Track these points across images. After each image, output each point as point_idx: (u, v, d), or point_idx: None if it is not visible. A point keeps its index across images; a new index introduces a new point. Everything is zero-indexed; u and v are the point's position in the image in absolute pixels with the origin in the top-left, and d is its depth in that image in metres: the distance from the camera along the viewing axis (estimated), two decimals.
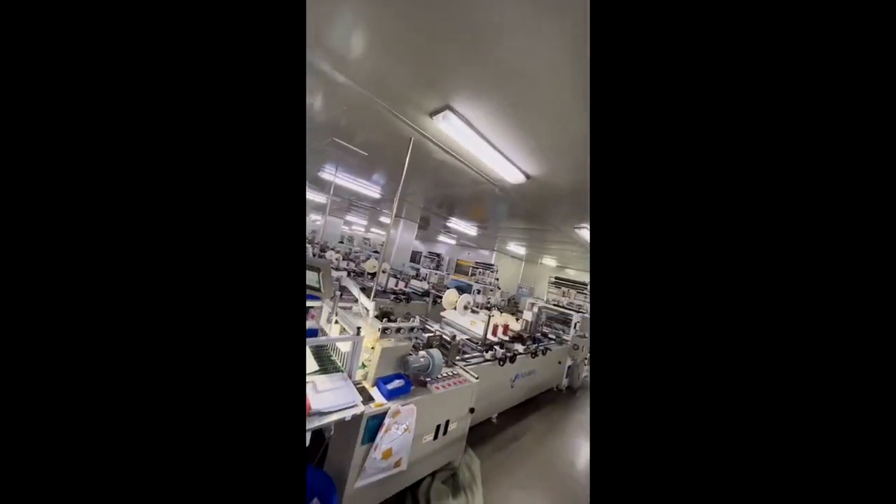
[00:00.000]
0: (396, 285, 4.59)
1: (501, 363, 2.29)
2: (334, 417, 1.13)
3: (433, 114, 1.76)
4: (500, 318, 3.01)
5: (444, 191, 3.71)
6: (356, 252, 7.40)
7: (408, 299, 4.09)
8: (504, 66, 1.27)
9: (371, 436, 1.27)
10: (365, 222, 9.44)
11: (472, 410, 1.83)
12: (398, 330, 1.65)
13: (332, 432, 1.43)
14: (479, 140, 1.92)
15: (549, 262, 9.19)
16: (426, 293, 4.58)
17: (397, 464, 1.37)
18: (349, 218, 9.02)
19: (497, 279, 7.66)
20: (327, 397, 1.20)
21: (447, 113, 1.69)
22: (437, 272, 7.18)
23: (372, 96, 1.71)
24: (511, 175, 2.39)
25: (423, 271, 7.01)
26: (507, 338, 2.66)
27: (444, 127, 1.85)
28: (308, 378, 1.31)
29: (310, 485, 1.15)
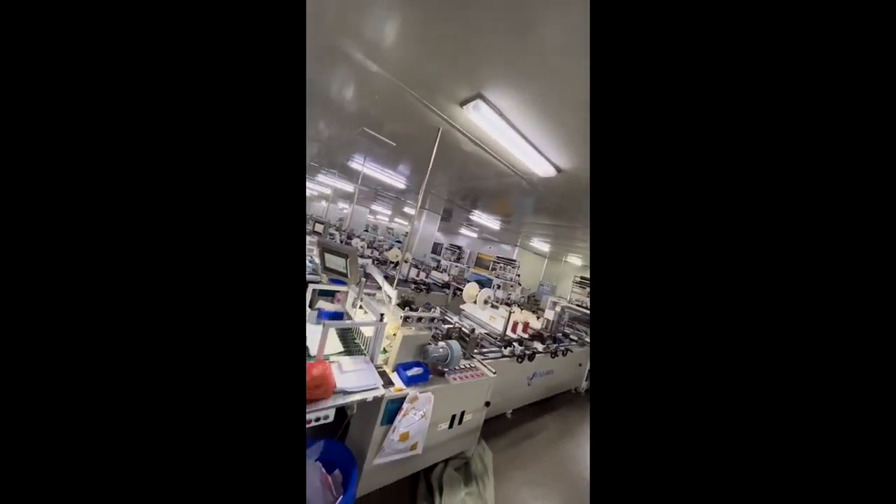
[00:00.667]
0: (418, 275, 4.66)
1: (520, 360, 2.26)
2: (357, 397, 1.19)
3: (464, 103, 1.72)
4: (520, 315, 2.96)
5: (468, 183, 3.66)
6: (380, 241, 7.60)
7: (428, 289, 4.14)
8: (539, 55, 1.20)
9: (390, 418, 1.33)
10: (389, 212, 9.63)
11: (487, 404, 1.83)
12: (419, 319, 1.68)
13: (354, 410, 1.50)
14: (510, 131, 1.85)
15: (575, 260, 8.82)
16: (446, 285, 4.61)
17: (413, 447, 1.42)
18: (374, 207, 9.25)
19: (518, 275, 7.51)
20: (350, 378, 1.26)
21: (478, 102, 1.65)
22: (458, 265, 7.18)
23: (403, 85, 1.71)
24: (541, 168, 2.29)
25: (444, 263, 7.05)
26: (526, 335, 2.62)
27: (474, 117, 1.80)
28: (333, 358, 1.39)
29: (333, 457, 1.23)
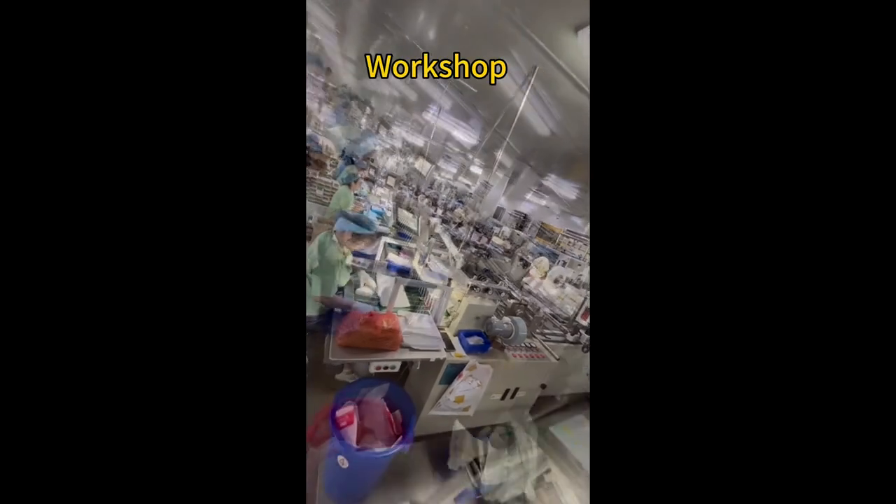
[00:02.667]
0: (479, 240, 4.54)
1: (586, 350, 2.05)
2: (421, 356, 1.22)
3: (581, 27, 1.30)
4: None
5: (549, 142, 3.12)
6: (444, 200, 7.55)
7: (488, 255, 4.02)
8: None
9: (448, 380, 1.35)
10: (454, 170, 9.36)
11: (543, 386, 1.75)
12: (486, 290, 1.59)
13: (417, 367, 1.60)
14: None
15: None
16: (509, 252, 4.40)
17: (466, 409, 1.45)
18: (440, 164, 9.06)
19: (590, 254, 6.70)
20: (417, 336, 1.29)
21: None
22: (521, 233, 6.74)
23: (502, 5, 1.36)
24: None
25: (507, 230, 6.70)
26: None
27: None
28: (400, 313, 1.44)
29: (395, 399, 1.34)
